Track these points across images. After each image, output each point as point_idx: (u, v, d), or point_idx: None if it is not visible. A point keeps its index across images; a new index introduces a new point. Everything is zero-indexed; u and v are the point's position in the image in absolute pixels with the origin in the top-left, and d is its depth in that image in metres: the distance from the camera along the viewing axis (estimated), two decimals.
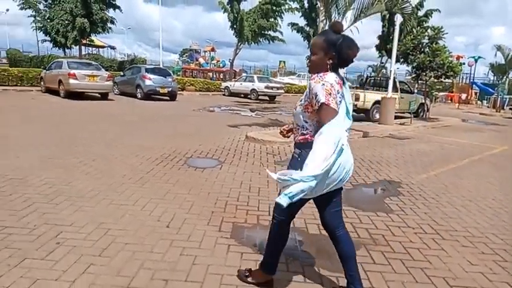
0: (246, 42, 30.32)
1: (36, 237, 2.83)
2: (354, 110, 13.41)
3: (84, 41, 28.09)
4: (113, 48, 47.18)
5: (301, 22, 25.62)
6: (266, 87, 21.07)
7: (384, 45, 25.62)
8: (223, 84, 24.18)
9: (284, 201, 1.92)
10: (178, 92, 18.93)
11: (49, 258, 2.55)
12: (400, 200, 4.39)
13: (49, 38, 27.34)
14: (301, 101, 2.21)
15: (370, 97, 12.84)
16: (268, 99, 21.89)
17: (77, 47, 27.07)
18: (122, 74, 17.95)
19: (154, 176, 4.70)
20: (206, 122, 10.42)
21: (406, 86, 15.12)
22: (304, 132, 2.17)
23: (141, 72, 16.17)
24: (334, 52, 2.04)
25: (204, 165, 5.39)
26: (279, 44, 34.85)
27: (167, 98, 16.62)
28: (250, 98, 21.44)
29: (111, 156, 5.58)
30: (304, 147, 2.12)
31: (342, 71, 2.33)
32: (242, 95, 22.46)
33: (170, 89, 16.24)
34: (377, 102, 12.46)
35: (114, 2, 27.07)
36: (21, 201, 3.54)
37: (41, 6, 27.54)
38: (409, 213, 3.95)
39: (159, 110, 12.45)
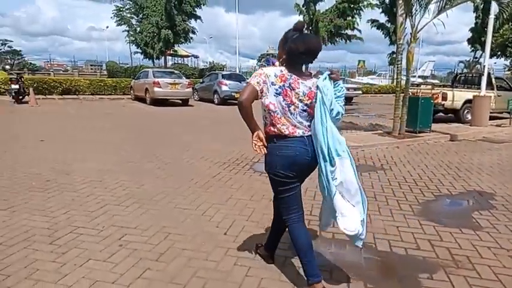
0: (323, 43, 29.72)
1: (103, 238, 2.98)
2: (441, 111, 12.04)
3: (168, 52, 30.25)
4: (196, 57, 50.04)
5: (382, 18, 24.30)
6: None
7: (477, 38, 23.02)
8: None
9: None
10: None
11: (110, 260, 2.64)
12: (492, 214, 3.75)
13: (140, 50, 30.03)
14: None
15: (459, 96, 11.53)
16: (345, 101, 21.08)
17: (163, 57, 29.27)
18: (201, 81, 18.82)
19: (220, 180, 4.73)
20: None
21: (505, 82, 13.27)
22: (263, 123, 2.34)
23: (218, 78, 16.79)
24: (286, 47, 2.18)
25: None
26: (357, 43, 33.59)
27: None
28: None
29: (183, 160, 5.78)
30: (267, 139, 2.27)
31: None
32: None
33: None
34: (468, 101, 11.11)
35: (195, 13, 28.70)
36: (96, 202, 3.79)
37: (134, 21, 30.45)
38: (503, 232, 3.34)
39: (233, 114, 12.68)
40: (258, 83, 2.14)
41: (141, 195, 4.04)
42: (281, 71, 2.17)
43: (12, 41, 78.41)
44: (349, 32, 29.87)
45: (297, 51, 2.14)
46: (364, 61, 46.69)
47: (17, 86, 13.66)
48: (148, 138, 7.52)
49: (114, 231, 3.13)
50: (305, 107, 2.21)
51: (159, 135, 7.90)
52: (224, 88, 16.13)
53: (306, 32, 2.26)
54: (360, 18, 29.23)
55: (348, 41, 30.42)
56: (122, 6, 32.12)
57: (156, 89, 14.57)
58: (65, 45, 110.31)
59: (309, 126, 2.25)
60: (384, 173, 5.36)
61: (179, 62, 41.03)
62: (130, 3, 30.06)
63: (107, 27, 56.47)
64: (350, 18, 29.15)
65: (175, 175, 4.91)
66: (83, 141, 7.01)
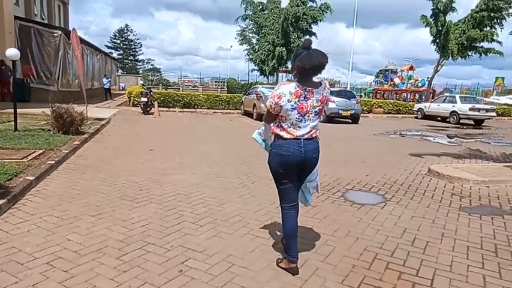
0: (450, 57, 26.62)
1: (166, 259, 2.89)
2: None
3: (283, 69, 31.01)
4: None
5: None
6: (471, 109, 17.72)
7: None
8: (416, 106, 21.84)
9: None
10: (364, 115, 18.20)
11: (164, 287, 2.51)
12: None
13: (256, 67, 31.52)
14: None
15: None
16: (473, 123, 18.34)
17: (275, 73, 30.11)
18: None
19: (302, 207, 4.30)
20: (384, 148, 9.38)
21: None
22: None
23: None
24: (295, 63, 2.54)
25: (363, 201, 4.66)
26: (495, 57, 29.01)
27: (349, 120, 16.15)
28: (449, 122, 18.48)
29: (271, 180, 5.53)
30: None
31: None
32: (439, 118, 19.64)
33: (353, 112, 15.72)
34: None
35: (310, 30, 28.84)
36: (174, 218, 3.80)
37: (254, 41, 32.17)
38: None
39: (336, 133, 12.11)
40: (271, 106, 2.58)
41: (218, 215, 3.92)
42: (295, 87, 2.52)
43: (154, 60, 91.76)
44: (486, 44, 26.20)
45: (304, 68, 2.49)
46: (503, 78, 40.34)
47: (145, 99, 15.54)
48: (244, 153, 7.54)
49: (181, 252, 3.03)
50: (317, 110, 2.62)
51: (254, 152, 7.83)
52: (331, 105, 15.54)
53: (314, 48, 2.54)
54: (502, 29, 25.39)
55: (483, 54, 26.67)
56: (245, 26, 34.33)
57: (262, 104, 14.87)
58: (196, 64, 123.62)
59: (316, 126, 2.67)
60: None
61: (292, 78, 41.76)
62: (252, 23, 31.86)
63: (231, 46, 62.30)
64: (488, 28, 25.53)
65: (257, 196, 4.70)
66: (186, 152, 7.39)
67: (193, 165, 6.28)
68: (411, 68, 36.86)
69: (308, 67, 2.47)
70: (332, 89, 18.22)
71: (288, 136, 2.61)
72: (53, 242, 3.09)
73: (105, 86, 23.26)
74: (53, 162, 5.50)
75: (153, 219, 3.71)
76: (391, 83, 36.49)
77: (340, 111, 15.43)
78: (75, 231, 3.32)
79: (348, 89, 25.12)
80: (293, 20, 27.22)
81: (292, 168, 2.68)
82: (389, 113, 22.75)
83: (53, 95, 15.62)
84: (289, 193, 2.81)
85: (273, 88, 14.64)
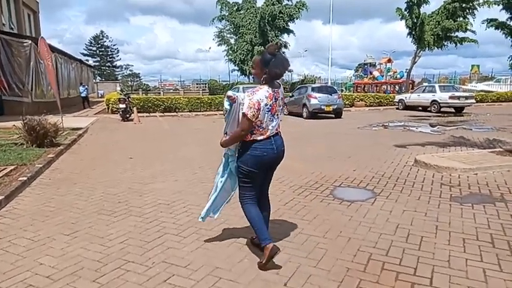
0: (427, 48, 26.99)
1: (148, 278, 2.67)
2: None
3: None
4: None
5: (502, 16, 20.89)
6: (451, 97, 17.95)
7: None
8: (397, 97, 22.01)
9: None
10: (346, 109, 18.23)
11: None
12: None
13: (236, 68, 31.31)
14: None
15: None
16: (453, 111, 18.59)
17: None
18: (290, 95, 18.55)
19: (291, 208, 4.15)
20: (368, 141, 9.32)
21: None
22: None
23: (307, 91, 16.26)
24: (267, 69, 2.65)
25: (352, 198, 4.52)
26: (470, 46, 29.52)
27: (332, 115, 16.12)
28: (430, 111, 18.68)
29: None
30: (240, 143, 2.86)
31: None
32: (420, 108, 19.86)
33: (335, 107, 15.70)
34: None
35: (288, 28, 28.81)
36: (156, 230, 3.57)
37: (232, 41, 31.94)
38: None
39: (319, 129, 12.02)
40: (253, 115, 2.63)
41: (202, 224, 3.68)
42: (267, 91, 2.69)
43: (133, 65, 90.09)
44: (460, 34, 26.65)
45: (277, 74, 2.72)
46: (478, 66, 41.37)
47: (123, 106, 15.12)
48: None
49: (163, 269, 2.80)
50: (281, 109, 2.89)
51: None
52: (313, 101, 15.51)
53: (279, 53, 2.71)
54: (474, 19, 25.86)
55: (458, 44, 27.13)
56: (222, 27, 34.07)
57: (244, 109, 14.66)
58: (176, 67, 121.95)
59: (278, 125, 2.86)
60: (505, 206, 4.16)
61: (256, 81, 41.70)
62: (229, 23, 31.59)
63: (210, 48, 62.09)
64: (461, 19, 25.98)
65: None
66: (167, 158, 7.13)
67: (175, 171, 6.03)
68: (389, 61, 37.27)
69: (280, 72, 2.72)
70: (313, 85, 18.32)
71: (262, 137, 2.75)
72: (22, 267, 2.82)
73: (82, 94, 22.59)
74: (25, 178, 5.18)
75: (133, 234, 3.47)
76: (371, 76, 36.82)
77: (322, 107, 15.38)
78: (48, 254, 3.05)
79: (329, 84, 25.16)
80: (269, 18, 27.16)
81: (266, 166, 2.87)
82: (371, 105, 22.88)
83: (27, 106, 15.03)
84: (255, 189, 2.93)
85: (253, 86, 14.29)
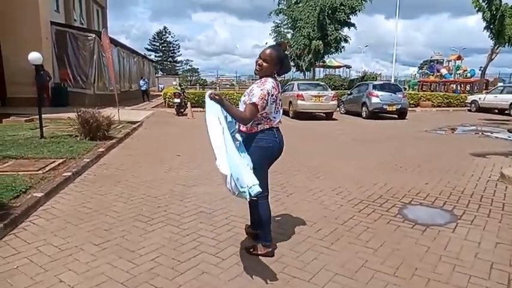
0: (507, 44, 24.15)
1: None
2: None
3: (319, 64, 29.78)
4: (348, 67, 48.40)
5: None
6: None
7: None
8: (470, 98, 19.90)
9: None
10: (411, 109, 16.77)
11: None
12: None
13: (292, 63, 30.52)
14: (244, 96, 2.80)
15: None
16: None
17: (312, 68, 28.96)
18: (348, 92, 17.47)
19: (351, 230, 3.49)
20: (440, 147, 8.21)
21: None
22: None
23: (368, 89, 15.11)
24: (279, 66, 2.82)
25: (427, 221, 3.73)
26: None
27: (395, 116, 14.85)
28: (508, 115, 16.57)
29: (310, 191, 4.73)
30: (245, 135, 2.86)
31: None
32: (496, 111, 17.72)
33: (399, 106, 14.41)
34: None
35: (348, 21, 27.35)
36: (192, 246, 3.11)
37: (289, 36, 31.21)
38: None
39: (381, 130, 11.00)
40: (262, 106, 2.65)
41: (243, 242, 3.19)
42: (274, 82, 2.76)
43: (192, 61, 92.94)
44: None
45: (287, 71, 3.12)
46: None
47: (178, 100, 15.18)
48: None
49: None
50: (280, 103, 2.90)
51: (290, 156, 7.00)
52: (374, 100, 14.36)
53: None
54: None
55: None
56: (279, 22, 33.44)
57: (299, 101, 13.99)
58: (233, 62, 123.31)
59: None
60: None
61: (331, 73, 40.27)
62: (286, 17, 30.83)
63: (266, 43, 61.34)
64: None
65: (295, 213, 3.91)
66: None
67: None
68: (459, 58, 34.21)
69: (289, 70, 3.08)
70: (375, 83, 17.00)
71: (267, 126, 2.79)
72: (41, 284, 2.51)
73: (142, 88, 23.35)
74: (69, 173, 5.05)
75: (166, 250, 3.05)
76: (438, 74, 34.02)
77: (384, 106, 14.19)
78: (71, 268, 2.72)
79: (392, 81, 23.51)
80: (329, 11, 25.88)
81: (272, 157, 2.93)
82: (439, 106, 20.93)
83: (90, 98, 15.71)
84: (267, 182, 2.96)
85: (309, 83, 13.65)
